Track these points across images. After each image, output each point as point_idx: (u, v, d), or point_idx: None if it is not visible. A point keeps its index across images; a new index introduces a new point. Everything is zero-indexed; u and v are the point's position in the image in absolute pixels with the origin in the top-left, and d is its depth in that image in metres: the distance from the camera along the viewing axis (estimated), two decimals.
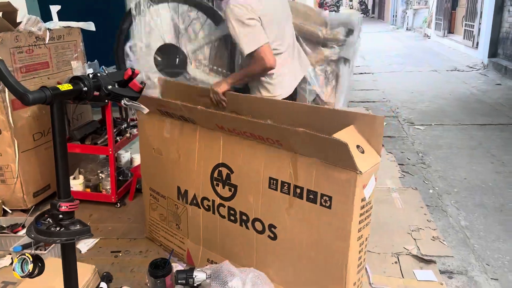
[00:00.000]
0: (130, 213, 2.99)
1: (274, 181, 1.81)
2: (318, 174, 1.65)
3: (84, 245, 2.60)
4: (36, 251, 2.40)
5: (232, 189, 1.99)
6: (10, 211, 2.88)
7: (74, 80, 1.28)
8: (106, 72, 1.43)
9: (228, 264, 1.96)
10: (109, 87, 1.36)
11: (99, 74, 1.37)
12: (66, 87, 1.24)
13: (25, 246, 2.39)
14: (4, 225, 2.68)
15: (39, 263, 1.24)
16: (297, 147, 1.68)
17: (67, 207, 1.26)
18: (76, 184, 3.02)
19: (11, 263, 2.43)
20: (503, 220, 2.80)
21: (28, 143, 2.85)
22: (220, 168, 2.03)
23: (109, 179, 3.00)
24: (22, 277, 1.22)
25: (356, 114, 1.68)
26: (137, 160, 3.46)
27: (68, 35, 3.18)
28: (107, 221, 2.87)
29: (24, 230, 2.61)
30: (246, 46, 2.17)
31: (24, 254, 1.23)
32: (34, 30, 2.81)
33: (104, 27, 3.33)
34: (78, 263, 1.99)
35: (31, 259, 1.22)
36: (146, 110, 1.50)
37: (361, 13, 31.72)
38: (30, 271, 1.21)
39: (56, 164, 1.27)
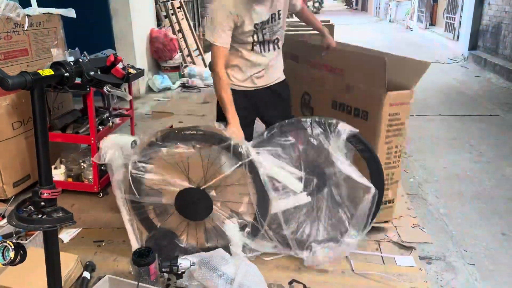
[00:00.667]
0: (113, 203, 2.93)
1: (335, 103, 2.65)
2: (361, 96, 2.42)
3: (66, 235, 2.57)
4: (20, 240, 2.37)
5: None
6: None
7: (55, 65, 1.26)
8: (88, 58, 1.40)
9: (221, 251, 1.98)
10: (91, 73, 1.35)
11: (80, 60, 1.35)
12: (47, 72, 1.22)
13: (6, 236, 2.36)
14: None
15: (21, 251, 1.22)
16: (351, 74, 2.51)
17: (49, 194, 1.25)
18: (58, 173, 2.98)
19: None
20: (480, 208, 2.89)
21: (7, 132, 2.79)
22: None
23: (91, 168, 2.97)
24: (3, 264, 1.21)
25: (404, 58, 2.43)
26: None
27: (48, 21, 3.11)
28: (90, 211, 2.84)
29: (4, 220, 2.57)
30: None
31: (6, 242, 1.21)
32: (12, 16, 2.74)
33: (84, 14, 3.27)
34: (61, 253, 1.96)
35: (13, 247, 1.21)
36: (129, 97, 1.49)
37: (345, 5, 31.86)
38: (12, 258, 1.20)
39: (37, 151, 1.25)
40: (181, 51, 6.75)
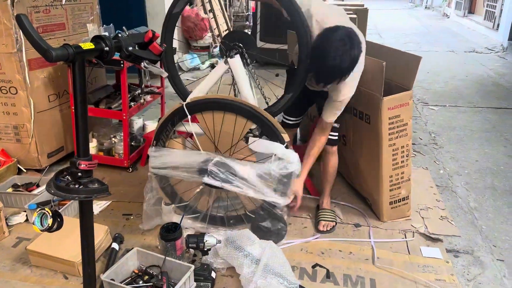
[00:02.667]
0: (142, 178, 3.02)
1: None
2: (363, 99, 2.38)
3: (97, 207, 2.65)
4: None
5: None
6: (24, 170, 2.94)
7: (96, 39, 1.28)
8: (127, 33, 1.42)
9: (248, 231, 2.00)
10: (130, 48, 1.36)
11: (119, 35, 1.36)
12: (88, 45, 1.24)
13: (41, 204, 2.45)
14: (19, 183, 2.74)
15: (58, 218, 1.27)
16: None
17: (86, 165, 1.28)
18: (90, 147, 3.05)
19: (26, 220, 2.50)
20: None
21: (43, 104, 2.87)
22: None
23: (122, 143, 3.03)
24: (41, 230, 1.25)
25: (401, 53, 2.38)
26: (149, 127, 3.49)
27: None
28: (119, 185, 2.91)
29: (39, 189, 2.67)
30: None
31: (44, 209, 1.26)
32: None
33: None
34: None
35: (51, 214, 1.25)
36: (165, 74, 1.50)
37: None
38: (50, 225, 1.24)
39: (76, 123, 1.28)
40: (211, 31, 6.73)
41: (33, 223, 1.27)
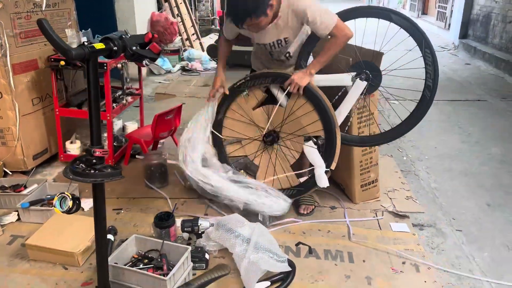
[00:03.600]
0: (127, 176, 3.13)
1: None
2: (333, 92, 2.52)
3: (86, 204, 2.74)
4: (44, 207, 2.55)
5: None
6: (10, 173, 2.99)
7: (105, 40, 1.44)
8: (129, 35, 1.58)
9: (237, 215, 2.19)
10: (134, 48, 1.52)
11: (123, 36, 1.52)
12: (100, 45, 1.40)
13: (33, 203, 2.54)
14: (6, 185, 2.80)
15: (77, 201, 1.42)
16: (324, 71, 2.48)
17: (100, 152, 1.44)
18: (74, 148, 3.15)
19: (18, 219, 2.57)
20: (467, 182, 3.14)
21: (27, 108, 2.95)
22: None
23: (106, 144, 3.14)
24: (62, 212, 1.40)
25: (361, 48, 2.63)
26: (129, 127, 3.61)
27: (63, 3, 3.24)
28: (106, 183, 3.01)
29: (27, 190, 2.74)
30: (331, 21, 2.22)
31: (64, 193, 1.40)
32: None
33: None
34: (85, 218, 2.18)
35: (70, 197, 1.39)
36: (163, 71, 1.66)
37: None
38: (70, 206, 1.39)
39: (90, 115, 1.44)
40: (180, 35, 6.87)
41: (54, 206, 1.40)
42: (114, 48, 1.45)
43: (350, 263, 2.22)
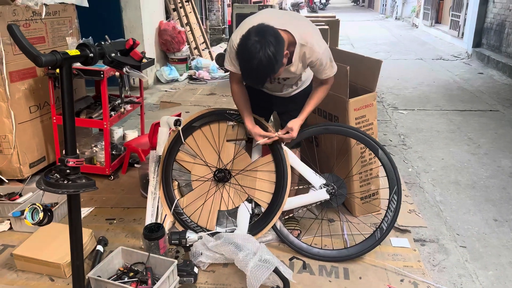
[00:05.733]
0: (123, 185, 3.11)
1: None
2: (331, 102, 2.54)
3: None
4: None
5: None
6: (6, 181, 2.98)
7: (81, 46, 1.40)
8: (109, 41, 1.54)
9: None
10: (112, 54, 1.48)
11: (102, 43, 1.48)
12: (74, 52, 1.36)
13: (23, 212, 2.51)
14: (1, 193, 2.78)
15: (48, 213, 1.36)
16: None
17: (74, 162, 1.39)
18: None
19: (10, 228, 2.55)
20: (474, 196, 3.01)
21: (24, 115, 2.94)
22: None
23: (103, 152, 3.11)
24: (32, 224, 1.35)
25: (363, 57, 2.62)
26: (130, 136, 3.58)
27: (64, 11, 3.25)
28: (102, 192, 2.99)
29: (22, 199, 2.72)
30: (333, 70, 2.12)
31: (35, 204, 1.35)
32: (31, 5, 2.88)
33: (95, 6, 3.39)
34: None
35: (42, 208, 1.34)
36: (145, 78, 1.62)
37: (352, 2, 31.84)
38: (41, 219, 1.34)
39: (64, 122, 1.39)
40: (188, 44, 6.88)
41: (25, 218, 1.36)
42: (90, 55, 1.40)
43: (345, 279, 2.13)
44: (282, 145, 2.31)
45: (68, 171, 1.39)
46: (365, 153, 2.56)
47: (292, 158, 2.34)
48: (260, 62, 1.76)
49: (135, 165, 3.40)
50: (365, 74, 2.57)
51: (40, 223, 1.34)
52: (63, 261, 2.10)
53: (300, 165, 2.35)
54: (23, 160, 2.95)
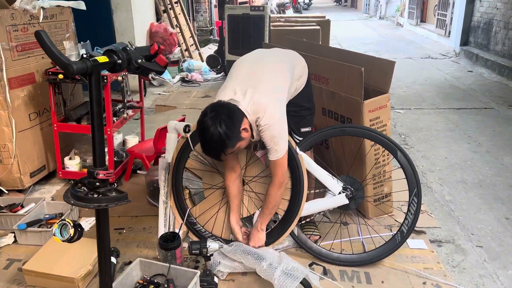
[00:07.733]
0: (128, 193, 2.98)
1: (325, 110, 2.73)
2: (343, 104, 2.53)
3: (86, 223, 2.63)
4: (42, 228, 2.42)
5: None
6: (6, 192, 2.86)
7: (109, 53, 1.33)
8: (134, 47, 1.47)
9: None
10: (139, 61, 1.41)
11: (128, 48, 1.41)
12: (103, 59, 1.29)
13: (30, 224, 2.41)
14: (2, 205, 2.67)
15: (78, 228, 1.29)
16: (334, 82, 2.59)
17: (104, 174, 1.32)
18: (73, 164, 3.03)
19: (14, 241, 2.45)
20: (483, 194, 3.02)
21: (24, 123, 2.83)
22: None
23: (106, 159, 3.02)
24: (62, 241, 1.27)
25: (375, 58, 2.62)
26: (130, 141, 3.49)
27: (61, 14, 3.14)
28: None
29: (24, 210, 2.62)
30: (278, 153, 2.02)
31: (65, 220, 1.28)
32: (28, 8, 2.77)
33: (86, 8, 3.28)
34: (87, 239, 2.05)
35: (72, 224, 1.27)
36: (171, 84, 1.55)
37: (334, 2, 32.04)
38: (72, 235, 1.26)
39: (92, 134, 1.32)
40: (179, 46, 6.78)
41: (54, 235, 1.28)
42: (118, 62, 1.33)
43: (368, 284, 2.10)
44: (298, 149, 2.26)
45: (97, 183, 1.32)
46: (379, 154, 2.54)
47: (308, 163, 2.30)
48: (211, 138, 1.85)
49: (138, 171, 3.32)
50: (377, 75, 2.54)
51: (70, 240, 1.27)
52: (77, 275, 2.02)
53: (316, 170, 2.31)
54: (23, 170, 2.84)
